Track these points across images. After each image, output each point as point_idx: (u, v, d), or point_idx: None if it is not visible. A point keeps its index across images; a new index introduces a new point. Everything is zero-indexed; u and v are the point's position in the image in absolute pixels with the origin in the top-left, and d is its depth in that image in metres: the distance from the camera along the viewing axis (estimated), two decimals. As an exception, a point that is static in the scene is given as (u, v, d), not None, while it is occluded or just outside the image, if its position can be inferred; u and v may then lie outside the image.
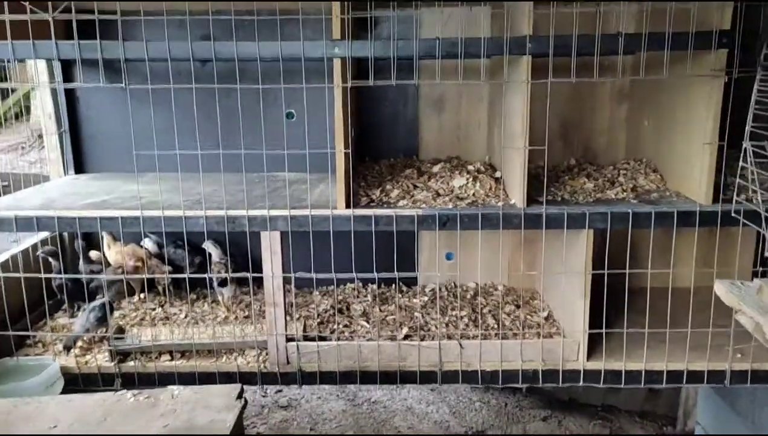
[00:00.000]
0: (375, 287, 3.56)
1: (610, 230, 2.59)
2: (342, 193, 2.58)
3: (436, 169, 3.07)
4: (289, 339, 2.75)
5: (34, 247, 3.14)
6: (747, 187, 2.18)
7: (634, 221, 2.54)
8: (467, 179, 2.86)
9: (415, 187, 2.85)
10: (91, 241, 3.50)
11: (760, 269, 2.86)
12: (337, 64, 2.45)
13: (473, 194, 2.76)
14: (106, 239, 3.18)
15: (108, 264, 3.19)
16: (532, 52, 2.41)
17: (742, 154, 2.10)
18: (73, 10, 2.36)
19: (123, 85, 2.48)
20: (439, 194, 2.77)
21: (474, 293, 3.44)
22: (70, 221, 2.58)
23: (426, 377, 2.75)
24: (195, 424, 1.73)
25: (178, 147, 2.81)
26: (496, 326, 2.99)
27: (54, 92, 3.40)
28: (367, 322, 3.08)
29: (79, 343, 2.85)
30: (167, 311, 3.23)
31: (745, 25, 2.33)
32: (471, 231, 2.62)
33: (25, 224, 2.58)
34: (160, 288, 3.31)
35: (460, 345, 2.74)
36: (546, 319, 3.07)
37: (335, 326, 2.98)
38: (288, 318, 2.94)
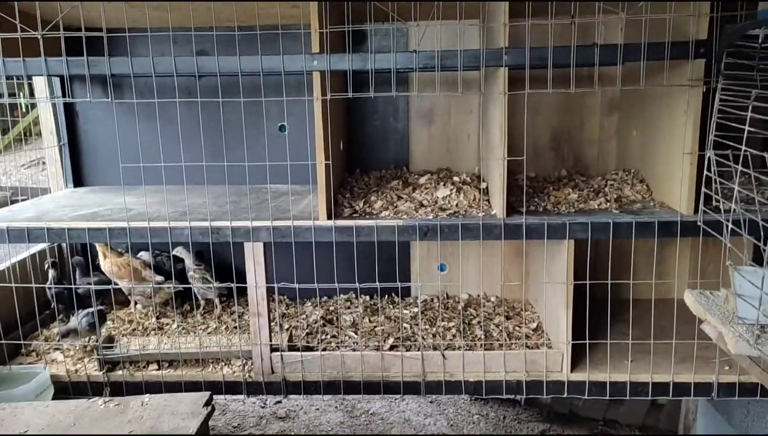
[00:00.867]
0: (367, 297, 3.59)
1: (593, 241, 2.58)
2: (323, 205, 2.61)
3: (422, 180, 3.09)
4: (273, 349, 2.78)
5: (32, 257, 3.22)
6: (711, 196, 2.16)
7: (615, 231, 2.53)
8: (451, 190, 2.87)
9: (399, 198, 2.88)
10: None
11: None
12: (316, 77, 2.49)
13: (456, 205, 2.78)
14: (100, 250, 3.24)
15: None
16: (509, 64, 2.43)
17: (706, 164, 2.09)
18: (61, 28, 2.43)
19: (109, 99, 2.54)
20: (422, 205, 2.79)
21: (466, 304, 3.44)
22: (59, 231, 2.65)
23: (409, 388, 2.76)
24: (159, 429, 1.77)
25: (184, 159, 2.88)
26: (483, 336, 2.99)
27: (54, 107, 3.50)
28: (356, 333, 3.10)
29: (70, 340, 2.91)
30: (161, 321, 3.29)
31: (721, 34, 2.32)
32: (466, 242, 2.64)
33: (16, 235, 2.66)
34: (156, 299, 3.37)
35: (443, 356, 2.74)
36: (534, 330, 3.06)
37: (323, 337, 3.00)
38: (277, 329, 2.98)
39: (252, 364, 2.80)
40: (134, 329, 3.20)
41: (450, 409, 4.38)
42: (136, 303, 3.41)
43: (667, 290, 3.09)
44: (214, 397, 2.39)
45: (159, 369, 2.83)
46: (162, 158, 2.67)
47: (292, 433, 4.13)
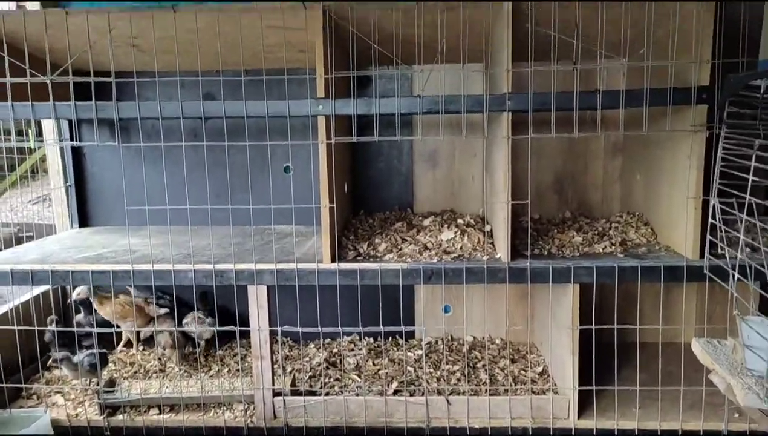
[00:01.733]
0: (371, 339, 3.56)
1: (598, 285, 2.56)
2: (327, 248, 2.61)
3: (426, 222, 3.09)
4: (276, 393, 2.74)
5: (35, 299, 3.22)
6: (717, 244, 2.15)
7: (620, 275, 2.51)
8: (455, 233, 2.87)
9: (404, 240, 2.87)
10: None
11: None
12: (321, 121, 2.51)
13: (460, 248, 2.77)
14: (94, 301, 3.22)
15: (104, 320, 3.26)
16: (512, 109, 2.45)
17: (710, 211, 2.09)
18: (70, 73, 2.47)
19: (116, 143, 2.56)
20: (426, 248, 2.79)
21: (470, 347, 3.40)
22: (63, 274, 2.65)
23: (413, 434, 2.71)
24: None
25: (189, 199, 2.90)
26: (488, 381, 2.94)
27: (62, 149, 3.54)
28: (360, 376, 3.06)
29: (71, 392, 2.88)
30: (163, 363, 3.26)
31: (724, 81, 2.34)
32: (470, 285, 2.62)
33: (21, 278, 2.66)
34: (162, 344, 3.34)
35: (447, 401, 2.70)
36: (540, 374, 3.02)
37: (326, 380, 2.97)
38: (280, 372, 2.95)
39: (254, 408, 2.76)
40: (135, 372, 3.17)
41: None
42: (139, 342, 3.40)
43: (674, 334, 3.05)
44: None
45: (160, 414, 2.79)
46: (167, 201, 2.69)
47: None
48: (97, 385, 2.85)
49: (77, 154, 3.59)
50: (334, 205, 2.59)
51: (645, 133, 2.41)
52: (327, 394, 2.80)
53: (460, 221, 3.08)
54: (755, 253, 2.41)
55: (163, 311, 3.36)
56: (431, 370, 3.11)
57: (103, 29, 2.58)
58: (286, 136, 2.93)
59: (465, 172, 3.48)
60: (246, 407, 2.81)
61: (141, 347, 3.46)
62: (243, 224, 3.35)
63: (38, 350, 2.90)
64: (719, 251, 2.23)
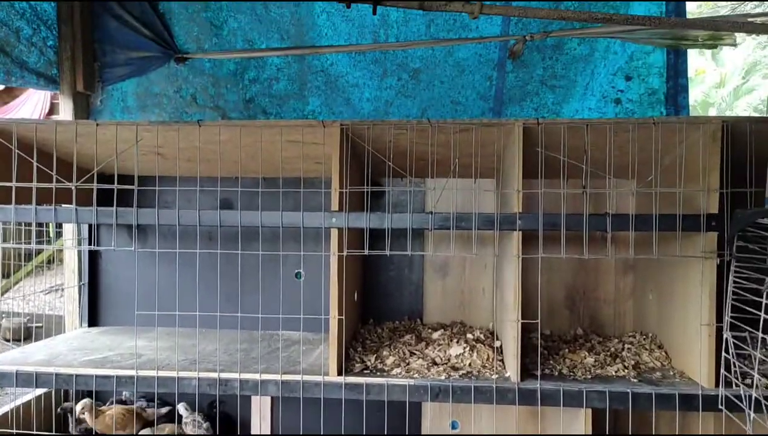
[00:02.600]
0: (376, 455, 3.43)
1: (611, 409, 2.49)
2: (334, 360, 2.58)
3: (435, 335, 3.06)
4: None
5: (38, 399, 3.18)
6: (731, 380, 2.10)
7: (634, 401, 2.44)
8: (464, 348, 2.83)
9: (412, 354, 2.84)
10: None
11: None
12: (334, 233, 2.56)
13: (469, 365, 2.72)
14: (87, 414, 3.14)
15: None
16: (522, 229, 2.48)
17: (723, 345, 2.06)
18: (95, 180, 2.56)
19: (132, 248, 2.61)
20: (435, 363, 2.74)
21: (478, 468, 3.27)
22: (67, 378, 2.63)
23: None
24: None
25: (199, 300, 2.91)
26: (496, 507, 2.81)
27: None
28: (362, 495, 2.94)
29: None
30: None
31: (735, 208, 2.37)
32: (478, 403, 2.55)
33: (25, 379, 2.64)
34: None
35: None
36: (552, 502, 2.88)
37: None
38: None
39: None
40: (131, 481, 3.06)
41: None
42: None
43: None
44: None
45: None
46: (177, 302, 2.70)
47: None
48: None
49: (94, 253, 3.65)
50: (343, 317, 2.59)
51: (656, 257, 2.41)
52: None
53: (469, 335, 3.04)
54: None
55: (165, 409, 3.30)
56: (437, 492, 2.97)
57: (131, 139, 2.70)
58: (299, 242, 2.97)
59: (475, 284, 3.48)
60: None
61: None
62: (251, 328, 3.34)
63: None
64: (734, 387, 2.18)
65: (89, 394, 3.50)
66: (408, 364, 2.73)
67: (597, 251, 2.77)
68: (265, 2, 3.73)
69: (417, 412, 3.45)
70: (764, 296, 1.74)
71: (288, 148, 2.87)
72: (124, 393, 3.47)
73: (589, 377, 2.64)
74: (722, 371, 2.17)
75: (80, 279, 3.59)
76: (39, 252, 7.37)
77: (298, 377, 2.56)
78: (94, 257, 3.65)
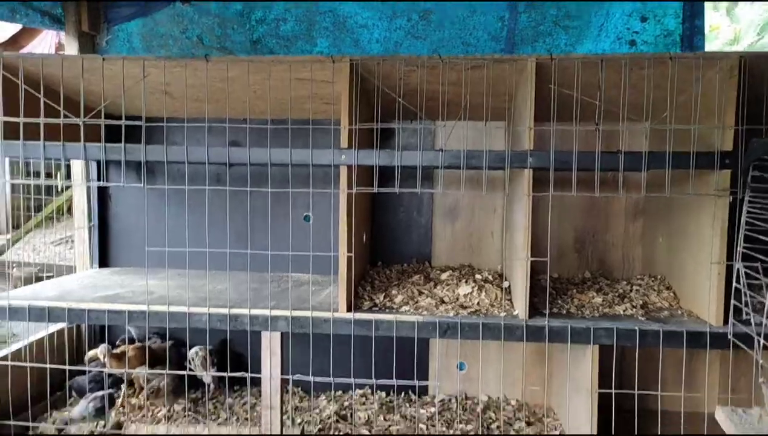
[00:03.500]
0: (383, 394, 3.49)
1: (618, 348, 2.50)
2: (343, 297, 2.60)
3: (444, 276, 3.07)
4: (284, 445, 2.68)
5: (50, 337, 3.23)
6: (741, 309, 2.10)
7: (641, 338, 2.45)
8: (473, 288, 2.84)
9: (421, 293, 2.85)
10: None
11: None
12: (343, 170, 2.54)
13: (477, 303, 2.74)
14: (107, 359, 3.19)
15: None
16: (533, 166, 2.46)
17: (734, 276, 2.05)
18: (102, 116, 2.54)
19: (141, 185, 2.60)
20: (443, 302, 2.76)
21: (485, 407, 3.32)
22: (80, 312, 2.66)
23: (423, 495, 2.62)
24: None
25: (209, 243, 2.93)
26: (502, 443, 2.86)
27: (88, 189, 3.61)
28: (370, 431, 2.99)
29: (74, 430, 2.84)
30: (173, 409, 3.22)
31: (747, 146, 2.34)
32: (486, 342, 2.57)
33: (37, 314, 2.67)
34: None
35: (459, 462, 2.62)
36: (556, 439, 2.93)
37: (335, 433, 2.90)
38: (289, 423, 2.89)
39: (260, 460, 2.70)
40: (143, 416, 3.12)
41: None
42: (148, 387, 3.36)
43: (696, 404, 2.95)
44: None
45: (165, 460, 2.74)
46: (187, 243, 2.71)
47: None
48: (105, 426, 2.81)
49: (103, 194, 3.66)
50: (352, 255, 2.59)
51: (667, 195, 2.39)
52: (336, 448, 2.73)
53: (478, 276, 3.05)
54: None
55: (170, 342, 3.36)
56: (444, 429, 3.03)
57: (137, 76, 2.66)
58: (307, 186, 2.97)
59: (484, 228, 3.47)
60: (253, 457, 2.75)
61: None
62: (261, 270, 3.37)
63: (48, 389, 2.89)
64: (744, 316, 2.18)
65: (101, 330, 3.57)
66: (416, 302, 2.75)
67: (608, 192, 2.75)
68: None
69: (425, 353, 3.50)
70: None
71: (297, 87, 2.83)
72: (133, 333, 3.52)
73: (597, 315, 2.65)
74: (732, 301, 2.17)
75: (90, 221, 3.61)
76: (48, 203, 7.40)
77: (307, 313, 2.58)
78: (103, 199, 3.66)
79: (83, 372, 3.13)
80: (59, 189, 7.77)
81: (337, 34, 3.76)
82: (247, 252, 2.64)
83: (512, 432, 3.01)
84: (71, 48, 3.59)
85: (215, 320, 2.62)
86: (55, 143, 2.58)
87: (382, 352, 2.79)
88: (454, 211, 3.50)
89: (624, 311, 2.69)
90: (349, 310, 2.61)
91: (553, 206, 2.52)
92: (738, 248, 2.03)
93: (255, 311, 2.60)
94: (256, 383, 2.89)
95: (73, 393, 3.12)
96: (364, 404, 3.37)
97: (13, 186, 7.29)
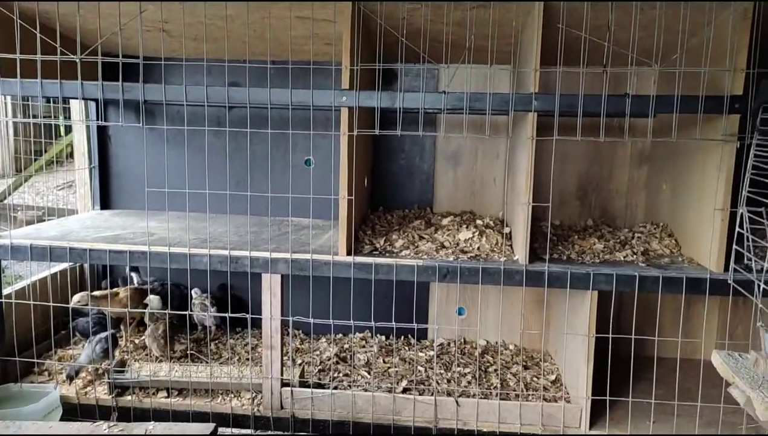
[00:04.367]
0: (382, 337, 3.53)
1: (617, 294, 2.51)
2: (344, 240, 2.60)
3: (445, 221, 3.06)
4: (284, 384, 2.73)
5: (53, 276, 3.25)
6: (743, 254, 2.09)
7: (641, 284, 2.45)
8: (473, 233, 2.84)
9: (421, 238, 2.85)
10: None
11: None
12: (344, 113, 2.50)
13: (478, 248, 2.74)
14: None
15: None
16: (538, 110, 2.41)
17: (738, 220, 2.03)
18: (99, 53, 2.49)
19: (140, 124, 2.57)
20: (443, 246, 2.76)
21: (483, 351, 3.36)
22: (81, 252, 2.67)
23: (420, 434, 2.67)
24: (161, 459, 1.72)
25: (209, 187, 2.91)
26: (499, 385, 2.90)
27: (88, 130, 3.58)
28: (369, 373, 3.04)
29: (83, 374, 2.90)
30: (175, 348, 3.27)
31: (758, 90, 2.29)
32: (486, 288, 2.57)
33: (39, 253, 2.68)
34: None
35: (456, 402, 2.66)
36: (553, 382, 2.97)
37: (335, 375, 2.95)
38: (289, 363, 2.94)
39: (261, 398, 2.75)
40: (147, 354, 3.17)
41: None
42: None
43: (693, 350, 2.99)
44: (221, 430, 2.34)
45: (168, 397, 2.79)
46: (187, 186, 2.70)
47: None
48: (109, 365, 2.86)
49: (103, 137, 3.63)
50: (353, 198, 2.58)
51: (674, 140, 2.35)
52: (335, 388, 2.77)
53: (479, 221, 3.04)
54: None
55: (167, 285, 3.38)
56: (442, 371, 3.07)
57: (134, 12, 2.59)
58: (308, 129, 2.93)
59: (486, 174, 3.44)
60: (254, 395, 2.80)
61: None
62: (261, 214, 3.36)
63: (52, 327, 2.93)
64: (745, 261, 2.17)
65: (103, 270, 3.59)
66: (417, 247, 2.75)
67: (613, 137, 2.71)
68: None
69: (424, 299, 3.52)
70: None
71: (297, 26, 2.76)
72: (135, 279, 3.53)
73: (598, 261, 2.65)
74: (734, 246, 2.16)
75: (90, 162, 3.59)
76: (51, 148, 7.36)
77: (307, 256, 2.59)
78: (103, 142, 3.63)
79: (86, 314, 3.16)
80: (59, 132, 7.72)
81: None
82: (247, 194, 2.62)
83: (509, 376, 3.05)
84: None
85: (216, 262, 2.63)
86: (52, 81, 2.54)
87: (382, 297, 2.81)
88: (457, 157, 3.46)
89: (624, 257, 2.69)
90: (349, 253, 2.61)
91: (557, 154, 2.48)
92: (743, 192, 2.01)
93: (255, 253, 2.61)
94: (257, 325, 2.92)
95: (77, 334, 3.16)
96: (363, 347, 3.42)
97: (15, 129, 7.24)
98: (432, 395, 2.72)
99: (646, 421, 2.62)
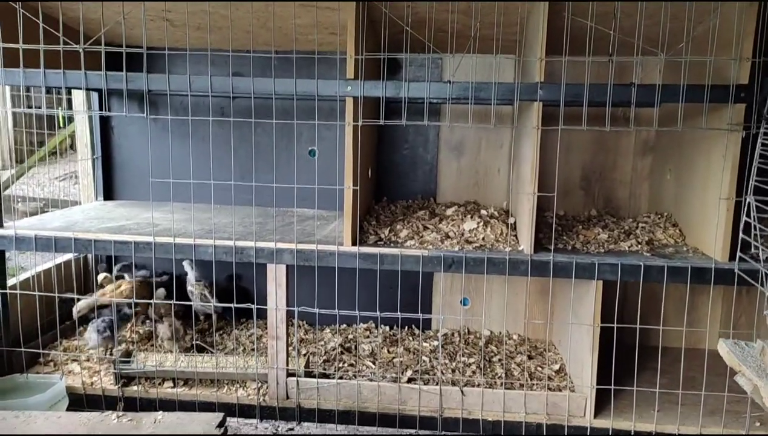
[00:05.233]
0: (387, 328, 3.55)
1: (622, 283, 2.51)
2: (349, 230, 2.59)
3: (449, 212, 3.06)
4: (290, 374, 2.74)
5: (57, 267, 3.25)
6: (750, 243, 2.09)
7: (646, 274, 2.45)
8: (478, 223, 2.84)
9: (426, 228, 2.85)
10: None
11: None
12: (349, 102, 2.49)
13: (483, 239, 2.74)
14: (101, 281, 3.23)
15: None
16: (543, 99, 2.41)
17: (744, 209, 2.03)
18: (103, 42, 2.48)
19: (144, 114, 2.57)
20: (448, 237, 2.76)
21: (487, 341, 3.37)
22: (86, 242, 2.67)
23: (426, 423, 2.68)
24: (170, 448, 1.73)
25: (213, 178, 2.91)
26: (504, 375, 2.91)
27: (91, 121, 3.57)
28: (374, 363, 3.05)
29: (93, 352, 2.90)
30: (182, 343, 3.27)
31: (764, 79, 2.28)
32: (490, 278, 2.57)
33: (44, 244, 2.68)
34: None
35: (461, 392, 2.67)
36: (557, 372, 2.97)
37: (340, 365, 2.96)
38: (294, 353, 2.94)
39: (267, 388, 2.76)
40: (152, 344, 3.18)
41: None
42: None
43: (697, 340, 2.99)
44: (227, 419, 2.34)
45: (174, 387, 2.81)
46: (192, 176, 2.70)
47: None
48: (112, 350, 2.86)
49: (106, 127, 3.62)
50: (358, 188, 2.57)
51: (679, 129, 2.35)
52: (341, 378, 2.78)
53: (483, 212, 3.04)
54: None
55: (166, 277, 3.39)
56: (446, 361, 3.08)
57: (137, 3, 2.58)
58: (312, 119, 2.92)
59: (491, 164, 3.44)
60: (259, 385, 2.81)
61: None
62: (266, 205, 3.36)
63: (57, 317, 2.94)
64: (752, 250, 2.17)
65: (107, 261, 3.59)
66: (421, 237, 2.75)
67: (618, 127, 2.70)
68: None
69: (429, 288, 3.53)
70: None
71: (301, 15, 2.76)
72: (141, 272, 3.52)
73: (602, 251, 2.65)
74: (741, 235, 2.16)
75: (93, 153, 3.58)
76: (52, 139, 7.34)
77: (312, 246, 2.59)
78: (106, 132, 3.62)
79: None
80: (61, 123, 7.70)
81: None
82: (252, 185, 2.62)
83: (514, 365, 3.06)
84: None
85: (221, 252, 2.63)
86: (55, 71, 2.53)
87: (387, 287, 2.81)
88: (461, 147, 3.45)
89: (629, 247, 2.69)
90: (354, 243, 2.61)
91: (561, 144, 2.47)
92: (750, 181, 2.01)
93: (260, 244, 2.61)
94: (262, 317, 2.93)
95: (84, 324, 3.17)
96: (368, 337, 3.43)
97: (15, 120, 7.23)
98: (437, 384, 2.73)
99: (650, 410, 2.63)
